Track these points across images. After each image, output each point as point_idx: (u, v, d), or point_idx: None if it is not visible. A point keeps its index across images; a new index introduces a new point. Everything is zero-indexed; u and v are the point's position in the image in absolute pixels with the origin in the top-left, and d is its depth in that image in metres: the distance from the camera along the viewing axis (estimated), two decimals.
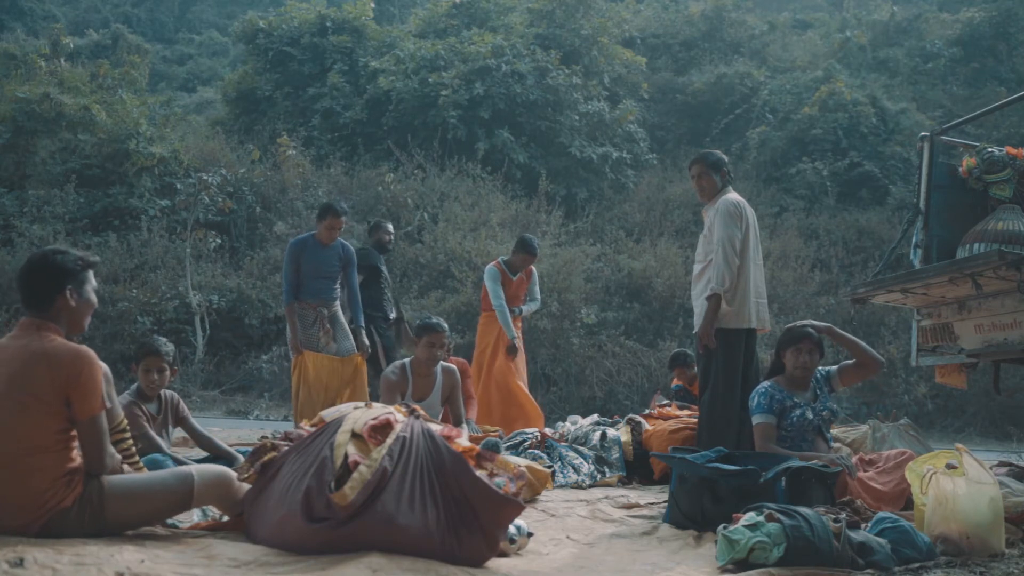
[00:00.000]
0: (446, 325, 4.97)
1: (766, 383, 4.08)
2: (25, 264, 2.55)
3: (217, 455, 4.06)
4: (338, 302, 6.01)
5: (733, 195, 4.53)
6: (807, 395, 4.06)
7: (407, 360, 4.95)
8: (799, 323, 4.21)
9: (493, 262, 6.70)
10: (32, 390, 2.38)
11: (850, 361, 4.21)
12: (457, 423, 4.86)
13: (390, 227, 7.26)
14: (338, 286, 5.99)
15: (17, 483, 2.39)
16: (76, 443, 2.50)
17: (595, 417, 5.75)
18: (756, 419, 3.97)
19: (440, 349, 4.85)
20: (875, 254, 12.90)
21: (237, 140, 15.30)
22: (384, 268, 7.00)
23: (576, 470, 4.80)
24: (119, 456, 2.67)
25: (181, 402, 4.18)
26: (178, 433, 4.37)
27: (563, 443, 5.13)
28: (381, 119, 15.63)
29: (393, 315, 6.96)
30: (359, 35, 17.23)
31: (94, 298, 2.63)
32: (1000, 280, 4.06)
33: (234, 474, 2.83)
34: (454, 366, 5.12)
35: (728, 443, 4.02)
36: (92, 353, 2.47)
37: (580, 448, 5.04)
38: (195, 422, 4.22)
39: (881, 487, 3.71)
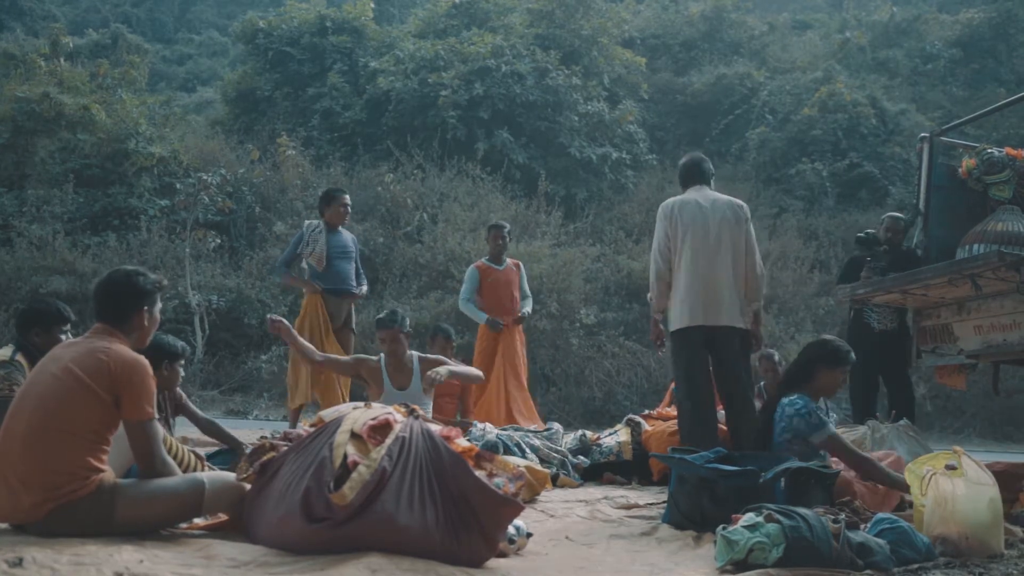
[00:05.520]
0: (399, 317, 4.91)
1: (800, 400, 3.79)
2: (106, 281, 2.77)
3: (222, 441, 4.25)
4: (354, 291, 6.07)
5: (674, 197, 4.55)
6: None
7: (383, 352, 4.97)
8: (844, 344, 4.00)
9: (474, 263, 6.93)
10: (88, 375, 2.53)
11: None
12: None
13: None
14: (354, 273, 6.08)
15: (41, 457, 2.47)
16: (107, 451, 2.59)
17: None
18: (826, 431, 3.74)
19: (393, 343, 4.84)
20: None
21: (237, 140, 15.29)
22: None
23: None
24: (175, 466, 2.78)
25: (177, 390, 4.23)
26: (177, 434, 4.39)
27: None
28: (381, 119, 15.61)
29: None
30: (359, 35, 17.22)
31: (159, 316, 2.87)
32: (999, 281, 4.07)
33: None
34: (431, 357, 5.12)
35: (697, 442, 3.95)
36: (149, 365, 2.65)
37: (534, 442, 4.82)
38: (194, 407, 4.31)
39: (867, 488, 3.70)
